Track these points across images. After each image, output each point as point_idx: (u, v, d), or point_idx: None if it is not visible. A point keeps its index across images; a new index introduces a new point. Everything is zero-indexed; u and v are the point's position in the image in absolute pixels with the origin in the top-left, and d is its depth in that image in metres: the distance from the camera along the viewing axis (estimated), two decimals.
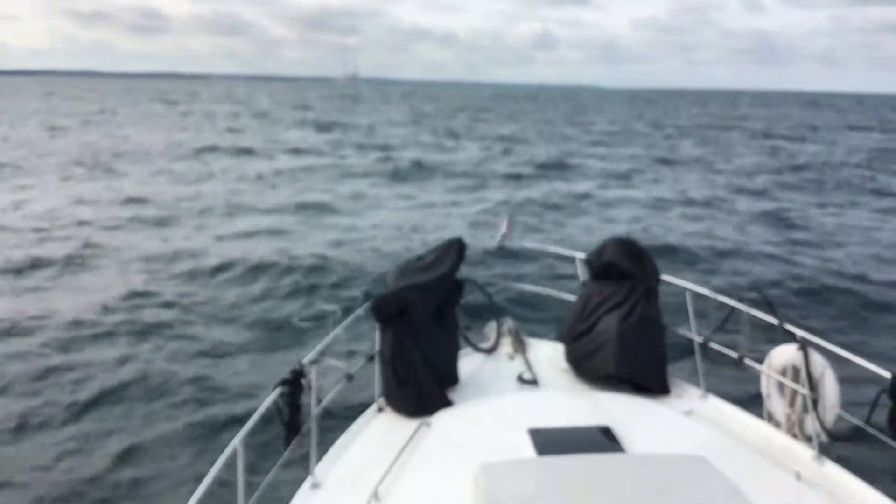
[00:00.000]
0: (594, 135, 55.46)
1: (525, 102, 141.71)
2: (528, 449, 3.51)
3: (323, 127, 57.81)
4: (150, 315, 11.64)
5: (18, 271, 14.06)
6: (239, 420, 6.48)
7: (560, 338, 5.47)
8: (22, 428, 7.92)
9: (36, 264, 14.52)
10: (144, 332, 10.95)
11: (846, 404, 4.22)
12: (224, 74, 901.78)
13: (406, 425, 4.15)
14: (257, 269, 14.21)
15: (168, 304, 12.24)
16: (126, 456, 7.38)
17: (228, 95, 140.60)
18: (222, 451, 3.14)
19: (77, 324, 11.12)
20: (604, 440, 3.62)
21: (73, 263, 14.73)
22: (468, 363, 5.41)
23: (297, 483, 3.71)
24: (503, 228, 6.45)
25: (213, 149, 37.77)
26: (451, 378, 4.91)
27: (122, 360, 9.76)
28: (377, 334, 4.76)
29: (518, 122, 69.51)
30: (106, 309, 11.81)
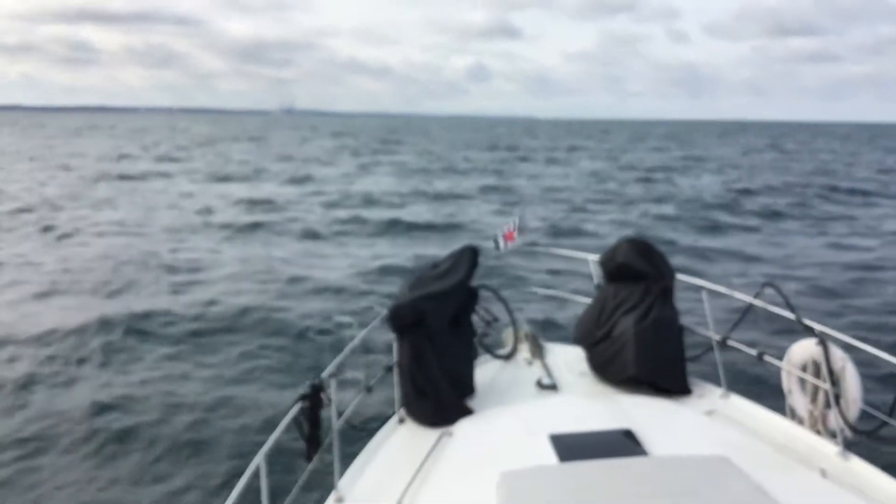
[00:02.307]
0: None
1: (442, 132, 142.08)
2: (550, 455, 3.50)
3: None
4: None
5: None
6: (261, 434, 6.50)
7: (576, 341, 5.45)
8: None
9: None
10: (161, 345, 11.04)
11: (869, 399, 4.19)
12: (156, 107, 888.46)
13: (427, 436, 4.15)
14: None
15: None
16: (149, 471, 7.42)
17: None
18: (245, 467, 3.15)
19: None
20: (626, 443, 3.60)
21: None
22: (486, 370, 5.41)
23: (322, 497, 3.72)
24: (507, 230, 6.40)
25: None
26: (469, 386, 4.91)
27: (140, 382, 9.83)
28: (394, 345, 4.76)
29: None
30: None
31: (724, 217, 25.90)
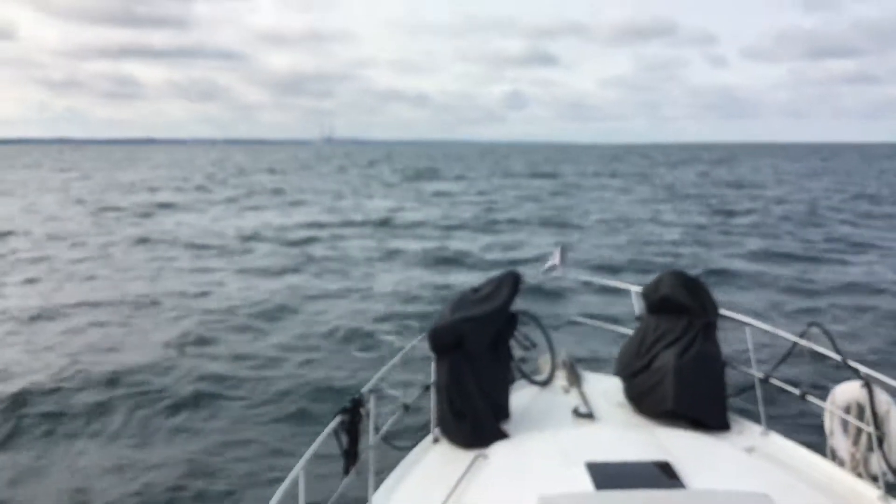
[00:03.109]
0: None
1: (474, 160, 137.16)
2: (586, 482, 3.48)
3: None
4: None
5: None
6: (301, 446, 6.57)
7: (617, 373, 5.43)
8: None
9: None
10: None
11: None
12: (200, 139, 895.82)
13: (462, 457, 4.17)
14: None
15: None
16: (188, 477, 7.53)
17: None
18: (283, 477, 3.22)
19: None
20: (663, 476, 3.57)
21: None
22: (523, 395, 5.41)
23: None
24: (554, 260, 6.45)
25: None
26: (505, 410, 4.91)
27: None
28: (433, 365, 4.80)
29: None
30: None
31: None
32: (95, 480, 7.49)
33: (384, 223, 30.68)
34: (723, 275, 18.01)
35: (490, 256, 22.03)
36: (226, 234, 26.73)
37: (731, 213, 33.97)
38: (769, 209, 35.82)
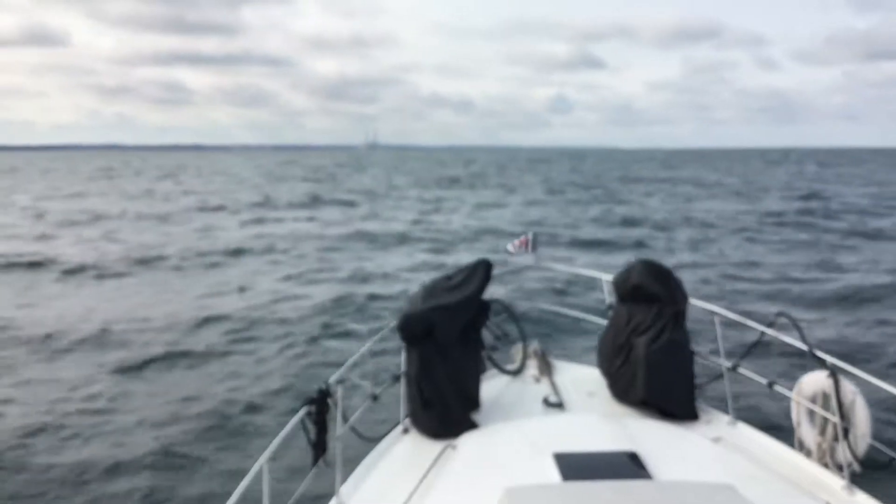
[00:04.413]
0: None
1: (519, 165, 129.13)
2: (553, 473, 3.48)
3: None
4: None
5: None
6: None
7: (599, 365, 5.41)
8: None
9: None
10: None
11: (878, 434, 4.15)
12: (247, 145, 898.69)
13: (431, 447, 4.14)
14: None
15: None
16: (151, 470, 7.43)
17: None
18: (248, 469, 3.16)
19: None
20: (631, 466, 3.57)
21: None
22: (494, 385, 5.39)
23: (323, 503, 3.72)
24: (518, 244, 6.42)
25: None
26: (475, 400, 4.89)
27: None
28: (403, 354, 4.76)
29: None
30: None
31: None
32: None
33: None
34: None
35: None
36: None
37: None
38: None
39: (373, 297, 15.32)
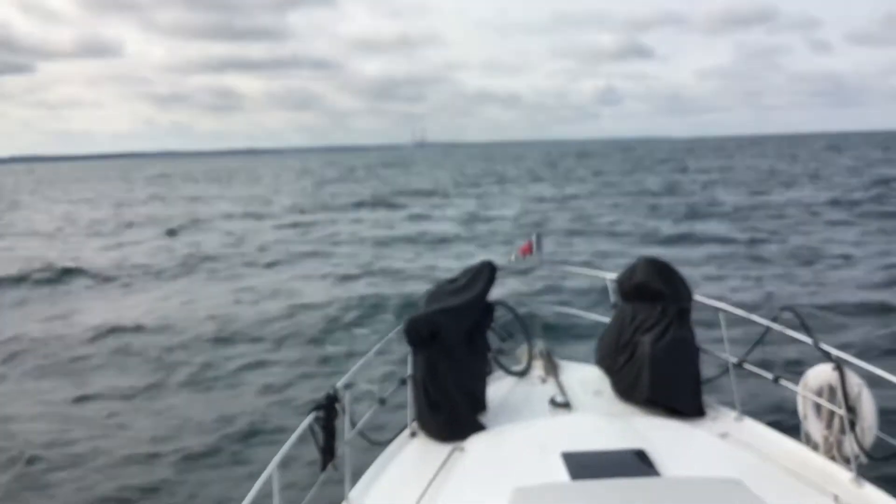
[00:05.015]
0: None
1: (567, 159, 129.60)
2: (561, 473, 3.49)
3: None
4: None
5: None
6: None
7: (598, 362, 5.43)
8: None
9: None
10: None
11: (884, 425, 4.15)
12: (297, 147, 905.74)
13: (439, 450, 4.16)
14: None
15: None
16: (162, 476, 7.46)
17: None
18: (258, 474, 3.19)
19: None
20: (638, 464, 3.58)
21: None
22: (500, 386, 5.40)
23: None
24: (524, 247, 6.41)
25: None
26: (482, 402, 4.90)
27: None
28: (409, 358, 4.78)
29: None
30: None
31: None
32: None
33: None
34: None
35: None
36: None
37: None
38: None
39: None
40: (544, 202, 40.87)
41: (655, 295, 5.15)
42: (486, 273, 5.29)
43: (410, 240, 26.71)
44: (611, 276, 5.88)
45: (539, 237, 6.49)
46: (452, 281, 5.35)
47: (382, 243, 25.75)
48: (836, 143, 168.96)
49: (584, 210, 35.46)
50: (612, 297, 5.83)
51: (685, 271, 5.34)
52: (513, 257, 6.35)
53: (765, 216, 29.72)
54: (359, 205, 43.07)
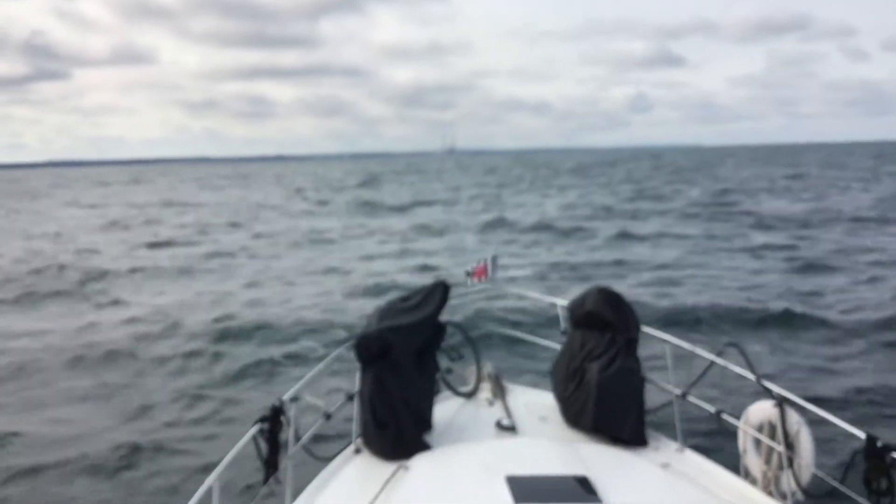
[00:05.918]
0: None
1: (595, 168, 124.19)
2: (505, 496, 3.49)
3: None
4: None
5: None
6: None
7: (553, 389, 5.45)
8: None
9: None
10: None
11: (821, 463, 4.24)
12: (328, 154, 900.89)
13: (383, 468, 4.12)
14: None
15: None
16: (99, 485, 7.24)
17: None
18: (197, 487, 3.12)
19: None
20: (580, 490, 3.60)
21: None
22: (447, 407, 5.39)
23: None
24: (478, 268, 6.39)
25: None
26: (428, 421, 4.89)
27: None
28: (358, 374, 4.74)
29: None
30: None
31: None
32: None
33: None
34: None
35: None
36: None
37: None
38: None
39: None
40: None
41: (604, 324, 5.20)
42: (440, 293, 5.29)
43: None
44: (562, 302, 5.93)
45: (495, 259, 6.50)
46: (405, 299, 5.33)
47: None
48: (879, 152, 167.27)
49: None
50: (563, 324, 5.88)
51: None
52: (468, 280, 6.32)
53: None
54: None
